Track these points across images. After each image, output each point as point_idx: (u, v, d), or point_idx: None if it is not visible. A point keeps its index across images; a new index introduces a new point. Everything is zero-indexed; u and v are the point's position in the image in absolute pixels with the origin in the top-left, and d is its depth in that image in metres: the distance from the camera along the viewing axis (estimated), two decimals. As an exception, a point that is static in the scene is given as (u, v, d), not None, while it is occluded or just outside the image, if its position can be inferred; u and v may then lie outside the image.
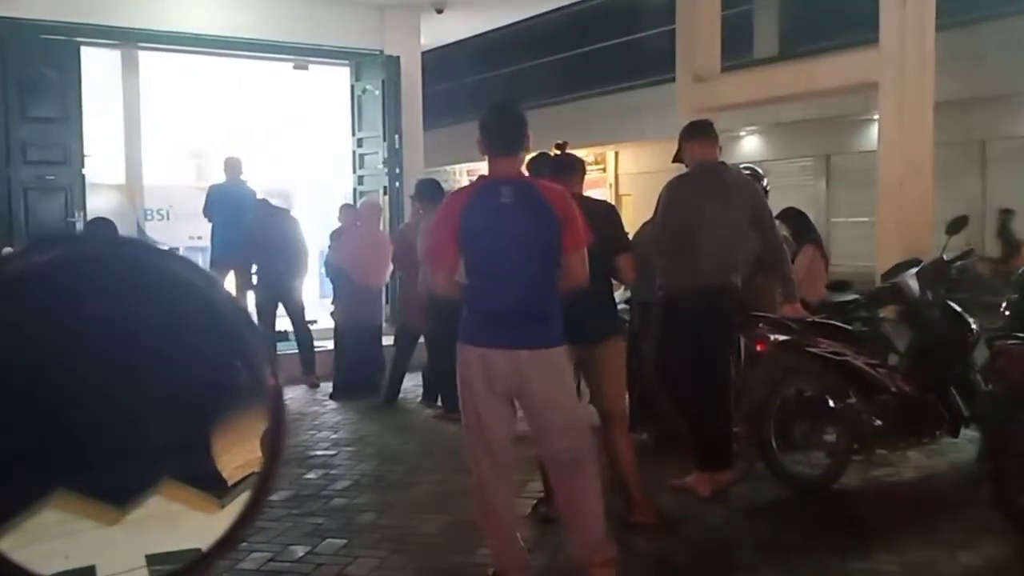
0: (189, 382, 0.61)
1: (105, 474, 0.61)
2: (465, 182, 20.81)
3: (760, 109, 14.37)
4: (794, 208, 7.51)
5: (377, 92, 10.52)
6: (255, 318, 4.35)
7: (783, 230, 6.76)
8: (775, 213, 6.09)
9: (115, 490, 0.61)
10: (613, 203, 19.54)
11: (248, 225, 8.66)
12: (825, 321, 5.58)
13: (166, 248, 0.70)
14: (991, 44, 13.14)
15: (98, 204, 9.49)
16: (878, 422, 5.09)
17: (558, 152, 4.75)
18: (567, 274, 3.68)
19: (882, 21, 10.06)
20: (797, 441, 5.25)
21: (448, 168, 19.75)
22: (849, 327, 5.75)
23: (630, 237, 4.99)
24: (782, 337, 5.26)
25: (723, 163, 5.40)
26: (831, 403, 5.14)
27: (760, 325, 5.38)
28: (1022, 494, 4.32)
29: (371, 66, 10.59)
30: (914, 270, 5.76)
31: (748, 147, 17.69)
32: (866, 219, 13.00)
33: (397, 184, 10.48)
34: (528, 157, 4.57)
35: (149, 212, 10.30)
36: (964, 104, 13.07)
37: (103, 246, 0.68)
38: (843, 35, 12.31)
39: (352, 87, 10.80)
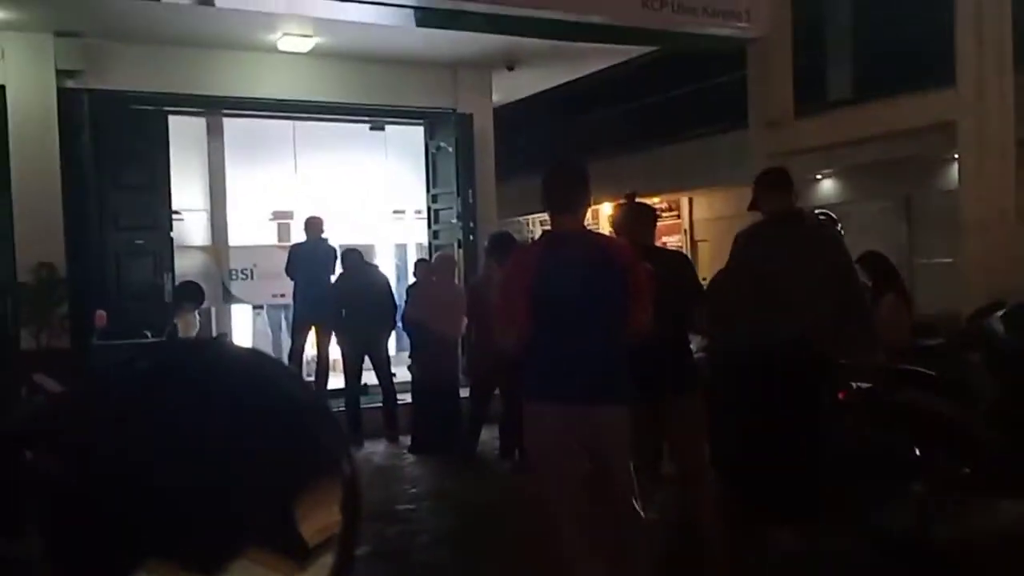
0: (268, 470, 0.66)
1: (192, 544, 0.65)
2: (539, 232, 20.97)
3: (837, 152, 14.19)
4: (874, 252, 7.39)
5: (451, 149, 10.72)
6: (343, 371, 4.44)
7: (863, 275, 6.65)
8: (855, 257, 6.02)
9: (204, 559, 0.65)
10: (688, 250, 19.45)
11: (339, 276, 8.90)
12: (909, 368, 5.46)
13: (248, 347, 0.75)
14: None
15: (185, 265, 9.81)
16: (966, 471, 4.94)
17: (628, 202, 4.78)
18: (632, 324, 3.70)
19: (959, 61, 9.92)
20: (882, 493, 5.11)
21: (522, 219, 19.90)
22: (934, 373, 5.62)
23: (705, 285, 4.97)
24: (865, 385, 5.16)
25: (800, 210, 5.35)
26: (918, 452, 5.00)
27: (842, 374, 5.28)
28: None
29: (445, 124, 10.81)
30: (1000, 313, 5.61)
31: (825, 190, 17.44)
32: (951, 260, 12.69)
33: (471, 237, 10.62)
34: (613, 206, 4.64)
35: (234, 272, 10.59)
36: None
37: (192, 351, 0.74)
38: (918, 76, 12.14)
39: (426, 145, 11.02)
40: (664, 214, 20.54)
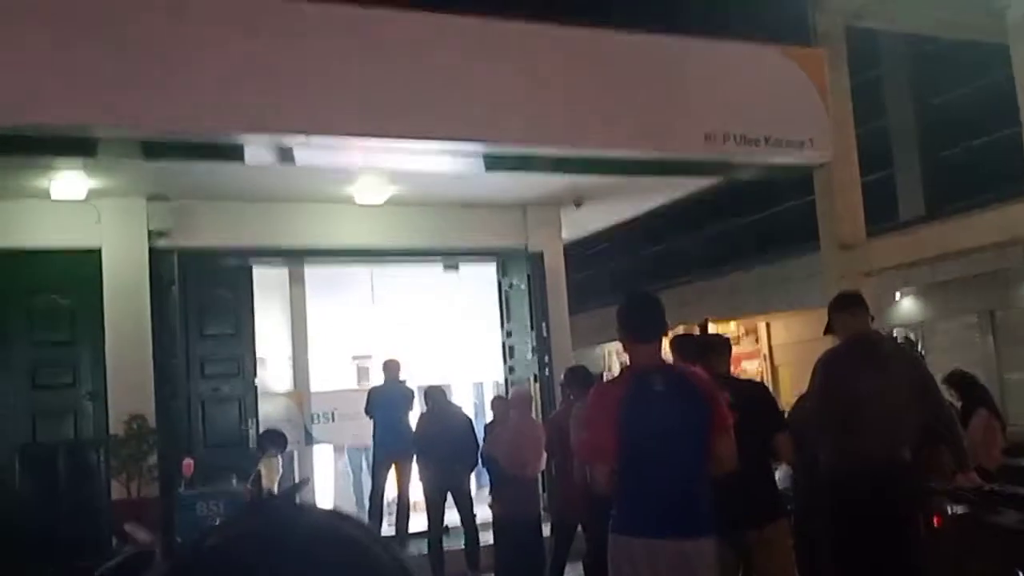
0: None
1: None
2: (615, 360, 20.86)
3: (915, 269, 14.01)
4: (960, 370, 7.24)
5: (523, 286, 10.90)
6: (428, 510, 4.47)
7: (950, 395, 6.50)
8: (941, 377, 5.90)
9: None
10: (768, 375, 19.14)
11: (421, 415, 8.98)
12: (1005, 488, 5.26)
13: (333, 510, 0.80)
14: None
15: (269, 411, 10.02)
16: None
17: (702, 331, 4.80)
18: (718, 457, 3.70)
19: (1031, 174, 9.85)
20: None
21: (596, 350, 19.90)
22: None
23: (786, 411, 4.91)
24: (960, 509, 4.98)
25: (877, 332, 5.31)
26: (1023, 578, 4.77)
27: (936, 498, 5.12)
28: None
29: (516, 261, 11.02)
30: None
31: (906, 308, 17.14)
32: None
33: (546, 372, 10.66)
34: (673, 336, 4.66)
35: (316, 416, 10.76)
36: None
37: (274, 516, 0.79)
38: (990, 190, 12.06)
39: (499, 283, 11.23)
40: (742, 339, 20.34)
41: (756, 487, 4.28)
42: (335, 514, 0.78)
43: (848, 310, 5.22)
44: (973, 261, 13.69)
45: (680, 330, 12.29)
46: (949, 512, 4.95)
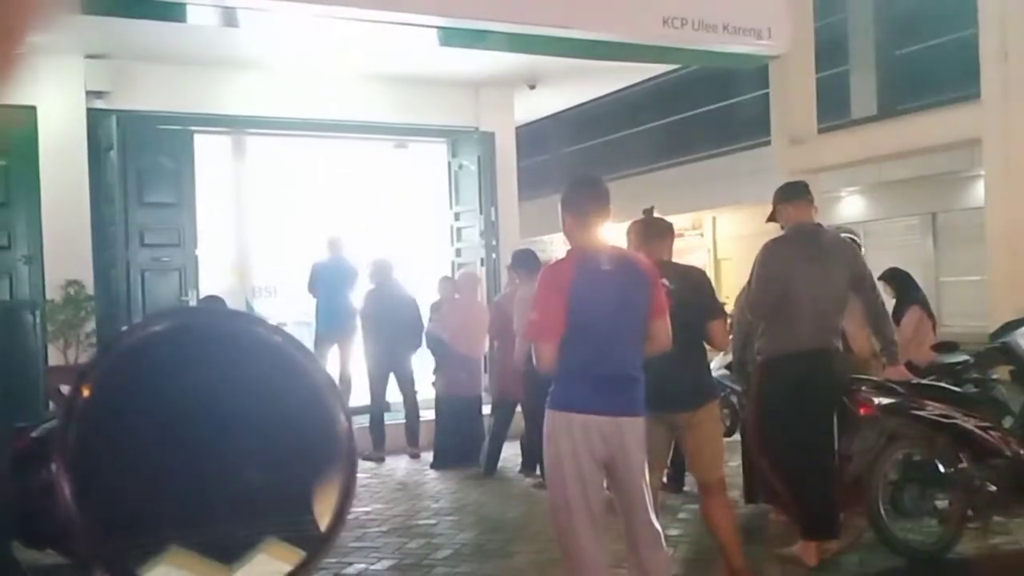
0: (277, 435, 0.69)
1: (213, 532, 0.67)
2: (562, 251, 20.88)
3: (862, 169, 14.15)
4: (897, 268, 7.37)
5: (473, 167, 10.79)
6: (370, 387, 4.49)
7: (886, 292, 6.63)
8: (878, 274, 5.99)
9: (223, 549, 0.67)
10: (712, 268, 19.40)
11: (368, 292, 8.96)
12: (933, 383, 5.43)
13: (257, 316, 0.78)
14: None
15: (210, 283, 9.90)
16: (992, 487, 4.88)
17: (645, 217, 4.78)
18: (654, 339, 3.76)
19: (983, 76, 9.87)
20: (907, 508, 5.07)
21: (545, 238, 19.94)
22: (958, 389, 5.58)
23: (729, 301, 4.98)
24: (887, 400, 5.13)
25: (819, 225, 5.36)
26: (942, 468, 4.96)
27: (864, 388, 5.26)
28: None
29: (467, 143, 10.88)
30: (1023, 329, 5.57)
31: (850, 207, 17.39)
32: (977, 278, 12.60)
33: (494, 255, 10.66)
34: (630, 224, 4.66)
35: (257, 290, 10.68)
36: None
37: (206, 317, 0.77)
38: (942, 92, 12.11)
39: (449, 163, 11.09)
40: (688, 232, 20.52)
41: (689, 371, 4.35)
42: (250, 317, 0.75)
43: (792, 200, 5.25)
44: (920, 162, 13.85)
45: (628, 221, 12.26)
46: (876, 402, 5.10)
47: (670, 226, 4.79)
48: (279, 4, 7.36)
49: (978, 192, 12.36)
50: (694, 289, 4.44)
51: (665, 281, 4.05)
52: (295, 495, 0.69)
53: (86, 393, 0.69)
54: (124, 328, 0.72)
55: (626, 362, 3.73)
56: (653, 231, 4.64)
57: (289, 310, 10.72)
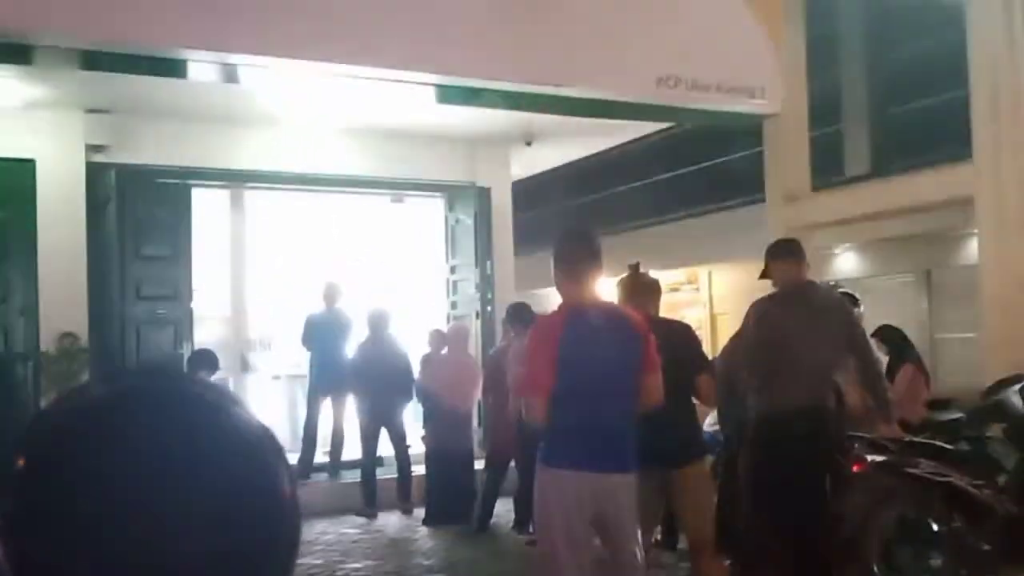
0: (215, 500, 0.69)
1: None
2: (556, 304, 20.89)
3: (856, 226, 14.20)
4: (890, 326, 7.39)
5: (469, 222, 10.85)
6: (362, 442, 4.48)
7: (879, 349, 6.64)
8: (872, 330, 6.00)
9: None
10: (708, 323, 19.39)
11: (360, 344, 8.94)
12: (925, 441, 5.41)
13: (199, 379, 0.79)
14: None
15: (205, 336, 9.90)
16: (986, 547, 4.85)
17: (632, 273, 4.81)
18: (646, 395, 3.76)
19: (975, 135, 9.98)
20: (900, 568, 5.02)
21: (540, 291, 19.98)
22: (951, 447, 5.56)
23: (717, 353, 4.98)
24: (880, 458, 5.11)
25: (812, 282, 5.38)
26: (935, 527, 4.93)
27: (856, 446, 5.25)
28: None
29: (464, 197, 10.96)
30: (1018, 386, 5.57)
31: (845, 264, 17.42)
32: (972, 335, 12.60)
33: (489, 309, 10.68)
34: (620, 279, 4.69)
35: (253, 343, 10.67)
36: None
37: (143, 380, 0.77)
38: (935, 151, 12.21)
39: (446, 217, 11.16)
40: (683, 287, 20.55)
41: (678, 427, 4.35)
42: (190, 379, 0.76)
43: (784, 257, 5.28)
44: (913, 220, 13.91)
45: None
46: (869, 460, 5.08)
47: (656, 282, 4.83)
48: (279, 61, 7.45)
49: (972, 250, 12.42)
50: (681, 344, 4.45)
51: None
52: (235, 564, 0.69)
53: (20, 463, 0.70)
54: (57, 395, 0.72)
55: (617, 417, 3.73)
56: (639, 287, 4.67)
57: (284, 363, 10.71)
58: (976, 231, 10.70)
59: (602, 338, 3.71)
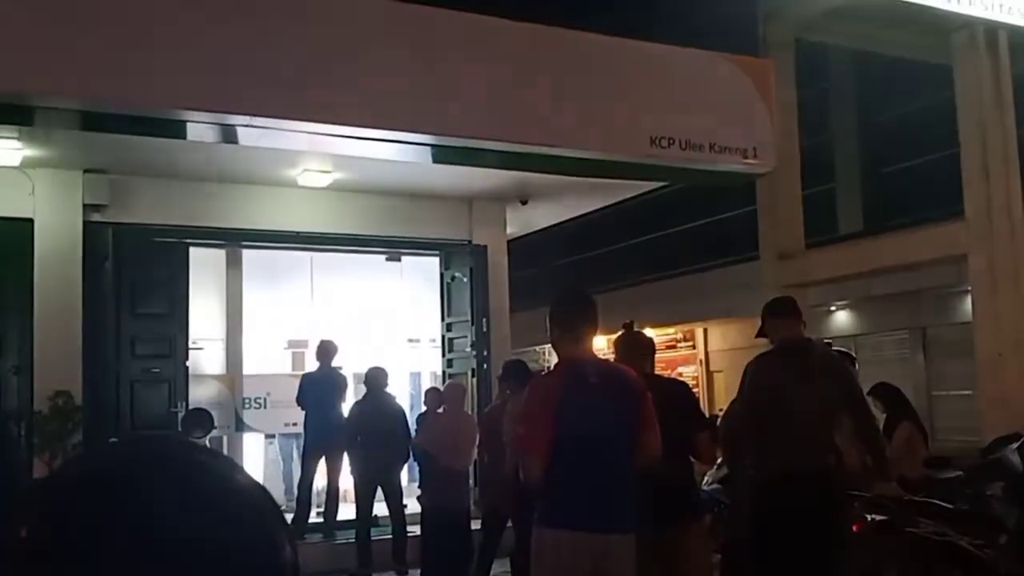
0: (219, 569, 0.69)
1: None
2: (552, 361, 20.90)
3: (850, 283, 14.29)
4: (887, 383, 7.37)
5: (465, 279, 10.89)
6: (357, 501, 4.43)
7: (875, 407, 6.63)
8: (868, 388, 5.99)
9: None
10: (704, 380, 19.38)
11: (356, 402, 8.91)
12: (925, 500, 5.38)
13: (195, 443, 0.79)
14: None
15: (200, 394, 9.86)
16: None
17: (626, 331, 4.82)
18: (644, 452, 3.73)
19: (966, 193, 10.09)
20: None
21: (536, 348, 19.97)
22: (951, 505, 5.52)
23: (721, 413, 4.98)
24: (880, 518, 5.07)
25: (809, 339, 5.39)
26: (937, 587, 4.88)
27: (856, 504, 5.21)
28: None
29: (459, 255, 11.01)
30: (1017, 444, 5.56)
31: (840, 321, 17.47)
32: (969, 392, 12.59)
33: (485, 366, 10.66)
34: (615, 337, 4.70)
35: (247, 401, 10.62)
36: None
37: (141, 448, 0.77)
38: (927, 209, 12.33)
39: (441, 275, 11.20)
40: (679, 345, 20.57)
41: (676, 486, 4.32)
42: (193, 447, 0.76)
43: (780, 315, 5.28)
44: (906, 277, 14.00)
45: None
46: (868, 519, 5.04)
47: (650, 340, 4.83)
48: (277, 122, 7.53)
49: (966, 307, 12.45)
50: (678, 402, 4.44)
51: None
52: None
53: (14, 532, 0.70)
54: (56, 465, 0.72)
55: (616, 476, 3.70)
56: (634, 345, 4.67)
57: (278, 421, 10.65)
58: (969, 288, 10.76)
59: (600, 396, 3.71)
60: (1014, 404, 9.29)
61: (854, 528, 5.12)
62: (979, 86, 10.07)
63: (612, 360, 4.47)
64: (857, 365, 6.15)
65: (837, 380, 5.09)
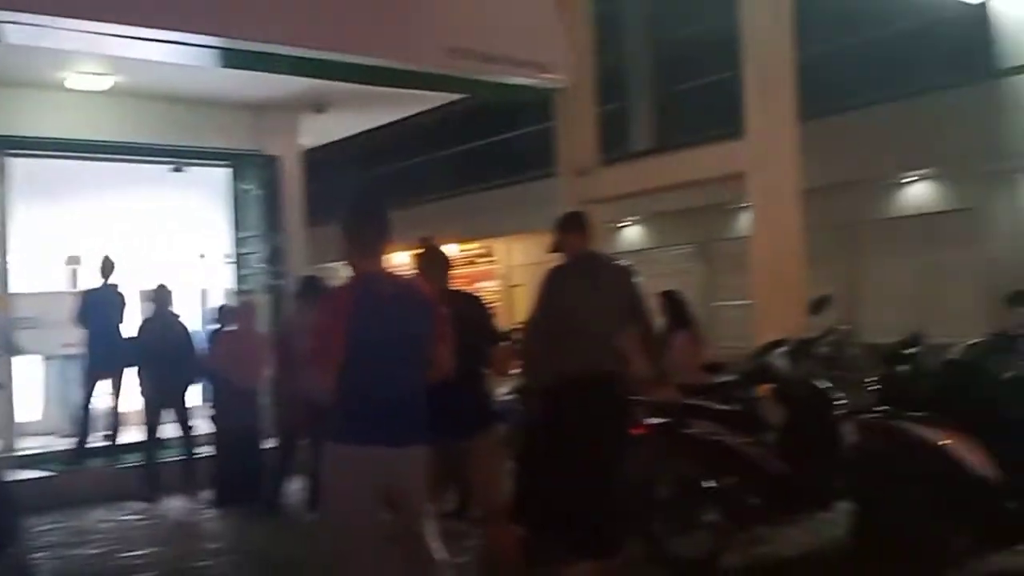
0: None
1: None
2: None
3: (640, 200, 14.78)
4: (673, 290, 7.73)
5: (258, 192, 10.49)
6: (144, 423, 4.20)
7: (661, 312, 6.93)
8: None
9: None
10: (504, 294, 19.72)
11: (142, 322, 8.49)
12: (701, 403, 5.69)
13: None
14: (856, 132, 13.91)
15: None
16: (756, 500, 5.17)
17: (423, 246, 4.78)
18: (436, 366, 3.74)
19: (746, 115, 10.52)
20: (679, 523, 5.28)
21: (336, 265, 19.68)
22: (726, 408, 5.87)
23: (520, 326, 5.06)
24: (658, 421, 5.33)
25: (596, 252, 5.52)
26: (710, 484, 5.20)
27: (638, 409, 5.45)
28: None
29: (250, 167, 10.58)
30: (782, 349, 5.95)
31: (631, 237, 18.15)
32: (749, 302, 13.40)
33: (280, 282, 10.39)
34: (416, 252, 4.64)
35: (20, 321, 9.88)
36: (833, 189, 13.70)
37: None
38: (713, 128, 12.82)
39: (233, 188, 10.74)
40: (480, 260, 20.80)
41: (468, 398, 4.37)
42: None
43: (571, 231, 5.38)
44: (692, 195, 14.63)
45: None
46: (647, 422, 5.29)
47: (446, 255, 4.81)
48: (51, 19, 6.90)
49: (746, 223, 13.14)
50: (473, 315, 4.47)
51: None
52: None
53: None
54: None
55: (407, 390, 3.68)
56: (430, 260, 4.64)
57: (55, 342, 10.00)
58: (749, 205, 11.33)
59: (391, 310, 3.66)
60: (786, 312, 9.90)
61: (635, 431, 5.36)
62: (761, 8, 10.45)
63: (409, 275, 4.41)
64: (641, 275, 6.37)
65: (623, 291, 5.26)
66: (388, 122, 12.95)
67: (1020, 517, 4.54)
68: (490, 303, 5.76)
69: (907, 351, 6.04)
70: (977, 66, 13.51)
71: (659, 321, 6.34)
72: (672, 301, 7.42)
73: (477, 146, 19.74)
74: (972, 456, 4.52)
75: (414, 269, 4.61)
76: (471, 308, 4.56)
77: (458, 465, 4.55)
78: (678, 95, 16.60)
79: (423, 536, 3.69)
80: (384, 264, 3.84)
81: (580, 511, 5.13)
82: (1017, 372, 4.90)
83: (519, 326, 6.14)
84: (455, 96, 11.22)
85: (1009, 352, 5.06)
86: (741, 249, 13.71)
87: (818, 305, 6.01)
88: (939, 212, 14.24)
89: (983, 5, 13.55)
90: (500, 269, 21.00)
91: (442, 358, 3.79)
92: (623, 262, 6.08)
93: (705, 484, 5.20)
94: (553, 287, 5.25)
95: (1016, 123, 12.96)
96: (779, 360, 5.90)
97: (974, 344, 5.16)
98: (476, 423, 4.51)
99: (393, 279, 3.80)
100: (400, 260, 5.16)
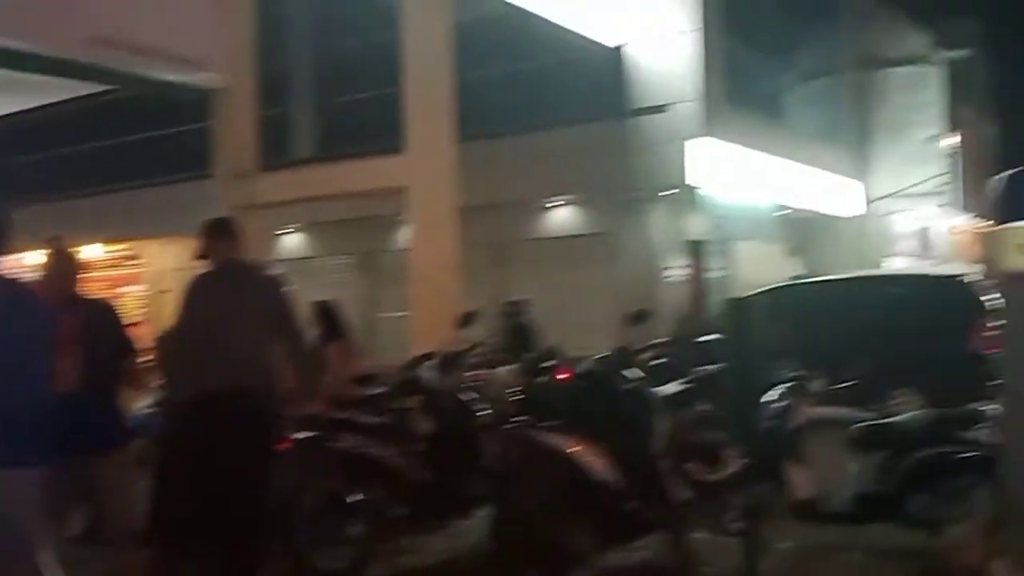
0: None
1: None
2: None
3: (301, 208, 14.63)
4: (326, 301, 7.65)
5: None
6: None
7: (315, 323, 6.85)
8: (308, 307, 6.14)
9: None
10: (152, 300, 18.61)
11: None
12: (350, 417, 5.69)
13: None
14: (507, 157, 14.68)
15: None
16: (402, 511, 5.25)
17: (54, 250, 4.39)
18: (57, 378, 3.41)
19: (408, 130, 10.77)
20: (323, 537, 5.24)
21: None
22: (376, 420, 5.92)
23: (161, 335, 4.77)
24: (304, 435, 5.26)
25: (242, 261, 5.32)
26: (355, 496, 5.21)
27: (284, 424, 5.33)
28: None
29: None
30: (431, 362, 6.12)
31: (292, 245, 17.90)
32: (407, 314, 13.63)
33: None
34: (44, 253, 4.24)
35: None
36: (486, 209, 14.34)
37: None
38: (375, 141, 12.97)
39: None
40: (127, 263, 19.50)
41: (98, 413, 4.07)
42: None
43: (219, 237, 5.15)
44: (353, 205, 14.72)
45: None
46: (294, 437, 5.20)
47: (74, 258, 4.45)
48: None
49: (405, 235, 13.38)
50: (103, 325, 4.16)
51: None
52: None
53: None
54: None
55: (15, 406, 3.32)
56: (58, 264, 4.27)
57: None
58: (409, 218, 11.58)
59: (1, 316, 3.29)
60: (442, 325, 10.21)
61: (280, 446, 5.23)
62: (422, 28, 10.75)
63: (30, 279, 4.01)
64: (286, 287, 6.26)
65: (269, 302, 5.09)
66: (28, 108, 11.86)
67: (636, 517, 4.97)
68: (134, 310, 5.41)
69: (545, 364, 6.47)
70: (614, 104, 14.82)
71: (312, 332, 6.26)
72: (325, 312, 7.37)
73: (131, 140, 18.57)
74: (596, 462, 4.88)
75: (42, 274, 4.22)
76: (102, 317, 4.24)
77: (88, 485, 4.21)
78: (342, 106, 16.64)
79: (32, 566, 3.35)
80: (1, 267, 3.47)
81: (216, 531, 4.90)
82: (635, 385, 5.38)
83: (161, 336, 5.80)
84: (104, 87, 10.47)
85: (629, 366, 5.55)
86: (401, 261, 13.99)
87: (466, 319, 6.24)
88: (578, 235, 15.41)
89: (618, 49, 14.90)
90: (149, 273, 19.82)
91: (61, 371, 3.47)
92: (272, 271, 5.92)
93: (350, 498, 5.20)
94: (193, 296, 5.01)
95: (644, 158, 14.36)
96: (428, 372, 6.05)
97: (601, 358, 5.59)
98: (107, 439, 4.20)
99: (6, 284, 3.43)
100: (32, 261, 4.70)
